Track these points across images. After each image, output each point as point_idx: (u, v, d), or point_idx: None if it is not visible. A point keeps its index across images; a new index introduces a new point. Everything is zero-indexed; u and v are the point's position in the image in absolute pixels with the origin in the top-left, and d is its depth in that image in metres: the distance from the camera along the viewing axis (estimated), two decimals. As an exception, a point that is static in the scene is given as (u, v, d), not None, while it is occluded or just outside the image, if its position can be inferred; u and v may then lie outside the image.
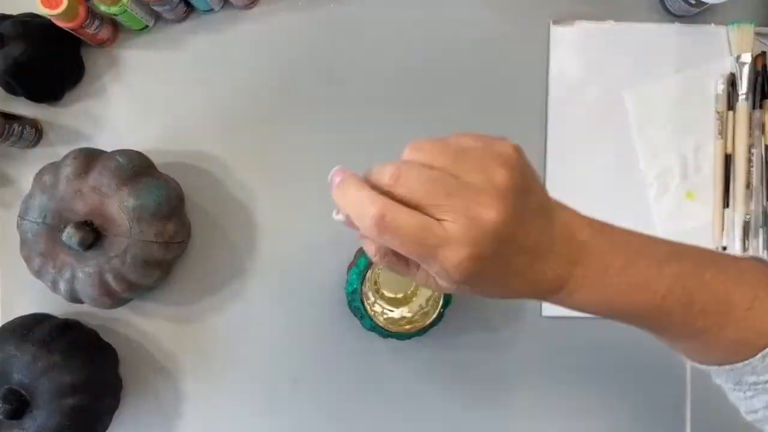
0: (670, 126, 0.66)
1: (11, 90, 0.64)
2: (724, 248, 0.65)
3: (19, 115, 0.64)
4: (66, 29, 0.61)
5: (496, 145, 0.36)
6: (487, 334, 0.66)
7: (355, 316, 0.60)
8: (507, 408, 0.66)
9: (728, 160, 0.65)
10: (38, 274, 0.59)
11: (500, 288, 0.37)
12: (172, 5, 0.63)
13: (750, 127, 0.65)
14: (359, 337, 0.65)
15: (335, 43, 0.67)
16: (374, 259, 0.37)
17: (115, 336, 0.65)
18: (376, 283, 0.59)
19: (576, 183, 0.66)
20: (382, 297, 0.59)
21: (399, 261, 0.38)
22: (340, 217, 0.36)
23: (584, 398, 0.66)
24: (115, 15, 0.62)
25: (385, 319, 0.58)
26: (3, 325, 0.60)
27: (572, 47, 0.67)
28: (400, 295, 0.59)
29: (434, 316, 0.57)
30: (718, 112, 0.66)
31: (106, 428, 0.62)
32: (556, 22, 0.67)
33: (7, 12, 0.63)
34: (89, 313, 0.65)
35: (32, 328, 0.58)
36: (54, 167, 0.58)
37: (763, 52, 0.66)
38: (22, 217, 0.58)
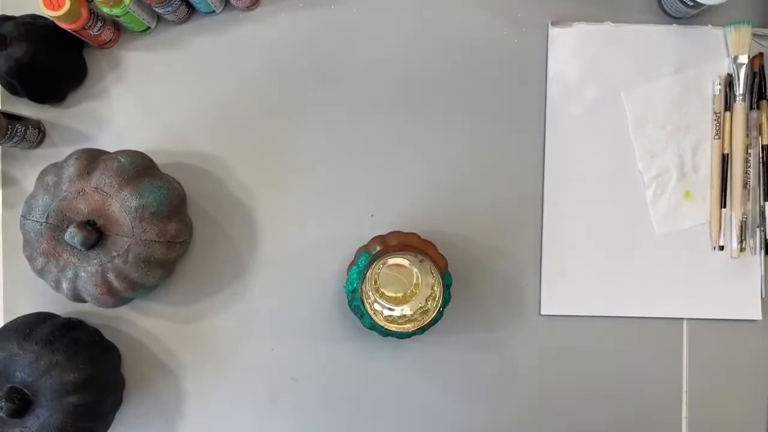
0: (668, 126, 0.67)
1: (14, 91, 0.65)
2: (722, 248, 0.66)
3: (22, 116, 0.65)
4: (68, 31, 0.61)
5: None
6: (485, 332, 0.66)
7: (355, 315, 0.60)
8: (506, 406, 0.66)
9: (725, 161, 0.66)
10: (41, 273, 0.59)
11: None
12: (173, 7, 0.64)
13: (747, 128, 0.66)
14: (359, 336, 0.65)
15: (336, 44, 0.68)
16: None
17: (118, 335, 0.66)
18: (376, 282, 0.59)
19: (574, 183, 0.66)
20: (382, 296, 0.59)
21: None
22: None
23: (582, 396, 0.66)
24: (117, 16, 0.62)
25: (385, 317, 0.58)
26: (6, 324, 0.60)
27: (570, 48, 0.67)
28: (400, 294, 0.60)
29: (434, 314, 0.57)
30: (715, 113, 0.66)
31: (108, 427, 0.63)
32: (554, 24, 0.67)
33: (10, 13, 0.64)
34: (92, 312, 0.65)
35: (35, 327, 0.59)
36: (57, 167, 0.59)
37: (760, 53, 0.66)
38: (25, 216, 0.59)
